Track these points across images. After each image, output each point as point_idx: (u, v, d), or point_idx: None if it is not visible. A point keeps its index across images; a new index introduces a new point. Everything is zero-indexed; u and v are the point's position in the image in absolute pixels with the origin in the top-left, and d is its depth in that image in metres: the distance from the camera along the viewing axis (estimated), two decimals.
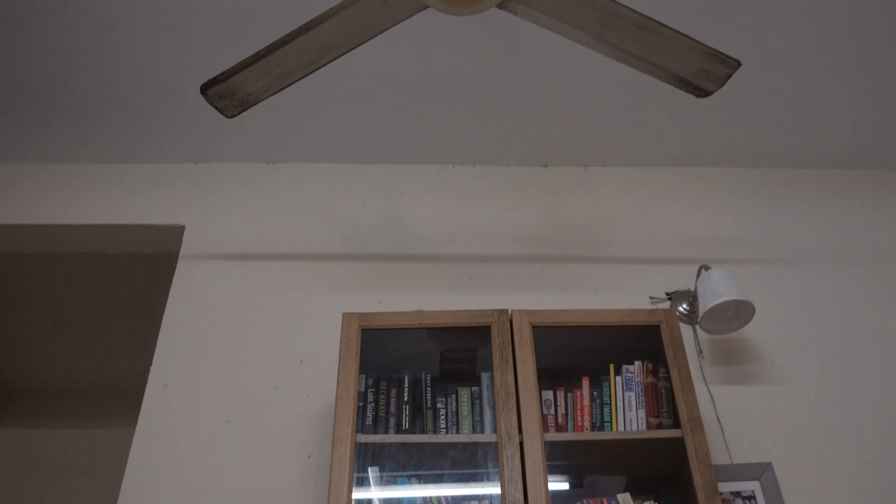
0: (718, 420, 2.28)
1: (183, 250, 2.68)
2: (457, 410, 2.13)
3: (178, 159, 2.92)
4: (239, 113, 2.04)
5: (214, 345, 2.44)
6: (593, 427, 2.09)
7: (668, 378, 2.08)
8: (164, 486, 2.15)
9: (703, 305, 2.30)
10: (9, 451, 3.77)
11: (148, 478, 2.17)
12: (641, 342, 2.17)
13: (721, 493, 1.95)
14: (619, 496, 1.96)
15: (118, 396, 3.61)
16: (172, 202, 2.81)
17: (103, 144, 2.85)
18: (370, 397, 2.12)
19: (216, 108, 2.02)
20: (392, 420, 2.11)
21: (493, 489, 1.93)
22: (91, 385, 3.90)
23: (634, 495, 1.96)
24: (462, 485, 2.03)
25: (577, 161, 2.99)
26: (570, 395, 2.14)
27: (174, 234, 2.74)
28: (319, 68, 1.93)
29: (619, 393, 2.12)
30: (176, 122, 2.76)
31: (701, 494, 1.85)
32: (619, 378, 2.13)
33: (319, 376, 2.34)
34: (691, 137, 2.88)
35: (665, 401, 2.09)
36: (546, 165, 3.00)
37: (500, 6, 1.74)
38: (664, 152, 2.95)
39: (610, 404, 2.11)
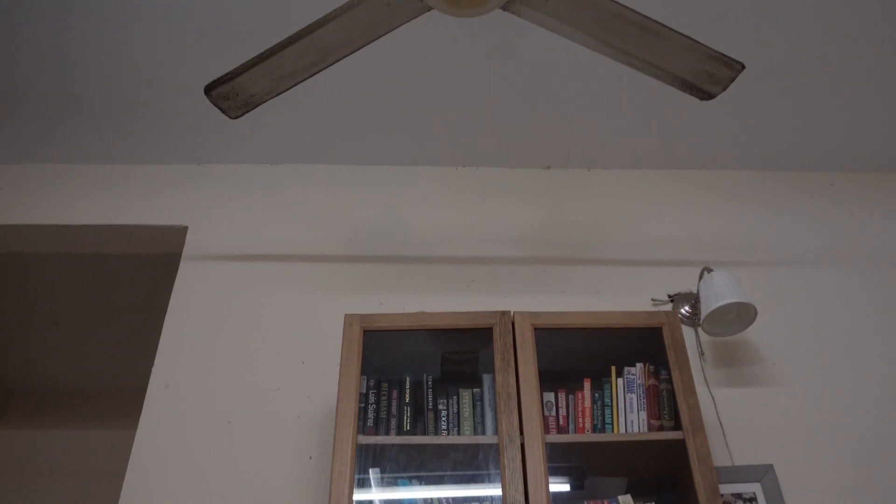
0: (720, 422, 2.28)
1: (185, 251, 2.68)
2: (458, 412, 2.13)
3: (181, 160, 2.92)
4: (242, 114, 2.04)
5: (216, 346, 2.44)
6: (594, 429, 2.09)
7: (669, 380, 2.08)
8: (166, 487, 2.15)
9: (706, 308, 2.30)
10: (9, 451, 3.77)
11: (149, 479, 2.17)
12: (643, 344, 2.17)
13: (722, 495, 1.96)
14: (621, 498, 1.96)
15: (119, 397, 3.61)
16: (175, 203, 2.81)
17: (106, 145, 2.85)
18: (371, 399, 2.12)
19: (220, 109, 2.02)
20: (393, 421, 2.11)
21: (495, 491, 1.93)
22: (92, 386, 3.90)
23: (635, 497, 1.97)
24: (463, 486, 2.03)
25: (580, 163, 2.99)
26: (571, 396, 2.14)
27: (177, 234, 2.74)
28: (323, 70, 1.93)
29: (621, 395, 2.12)
30: (179, 123, 2.76)
31: (702, 496, 1.84)
32: (620, 380, 2.13)
33: (321, 377, 2.33)
34: (694, 140, 2.88)
35: (666, 403, 2.09)
36: (548, 167, 3.00)
37: (503, 8, 1.74)
38: (667, 155, 2.95)
39: (611, 406, 2.11)
